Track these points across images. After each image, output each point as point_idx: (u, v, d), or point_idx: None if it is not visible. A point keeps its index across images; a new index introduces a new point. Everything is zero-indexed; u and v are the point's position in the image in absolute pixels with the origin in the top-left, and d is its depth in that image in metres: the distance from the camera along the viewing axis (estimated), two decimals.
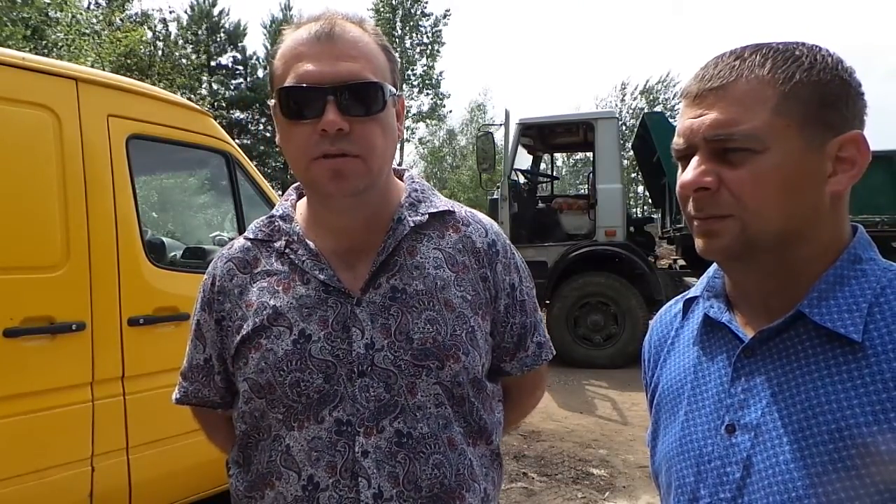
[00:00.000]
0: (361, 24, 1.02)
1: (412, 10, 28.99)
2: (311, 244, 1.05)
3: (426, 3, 29.12)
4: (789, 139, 0.73)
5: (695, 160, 0.77)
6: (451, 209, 1.11)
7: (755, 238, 0.76)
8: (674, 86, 31.42)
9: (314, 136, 0.94)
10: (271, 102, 1.01)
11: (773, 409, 0.75)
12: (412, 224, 1.05)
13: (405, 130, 30.49)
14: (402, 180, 1.15)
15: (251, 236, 1.12)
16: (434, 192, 1.14)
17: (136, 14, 17.71)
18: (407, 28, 28.98)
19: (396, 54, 1.08)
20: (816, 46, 0.77)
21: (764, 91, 0.74)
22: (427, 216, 1.07)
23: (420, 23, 29.22)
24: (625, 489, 4.04)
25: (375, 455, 0.98)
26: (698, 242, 0.80)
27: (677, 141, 0.80)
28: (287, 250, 1.06)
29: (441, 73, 32.88)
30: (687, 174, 0.77)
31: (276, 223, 1.10)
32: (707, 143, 0.76)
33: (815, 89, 0.74)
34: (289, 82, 0.96)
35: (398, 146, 1.10)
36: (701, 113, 0.77)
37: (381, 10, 28.62)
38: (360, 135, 0.95)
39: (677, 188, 0.80)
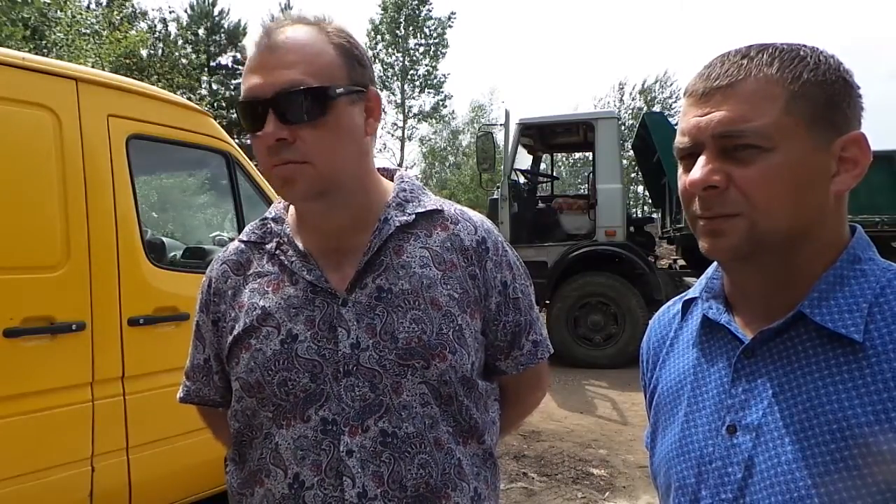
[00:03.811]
0: (319, 24, 1.01)
1: (417, 12, 28.98)
2: (301, 245, 1.06)
3: (431, 5, 29.16)
4: (798, 138, 0.73)
5: (702, 159, 0.76)
6: (439, 208, 1.11)
7: (763, 237, 0.75)
8: (671, 85, 31.43)
9: (264, 147, 0.96)
10: None
11: (775, 410, 0.75)
12: (398, 224, 1.05)
13: (406, 129, 30.60)
14: (392, 180, 1.14)
15: (245, 238, 1.13)
16: (425, 192, 1.14)
17: (135, 12, 17.69)
18: (411, 29, 28.99)
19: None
20: (817, 48, 0.77)
21: (773, 89, 0.74)
22: (414, 216, 1.07)
23: (424, 24, 29.23)
24: (625, 489, 4.04)
25: (360, 454, 0.98)
26: (703, 243, 0.79)
27: (681, 139, 0.79)
28: (277, 251, 1.07)
29: (446, 75, 32.88)
30: (695, 172, 0.76)
31: (269, 225, 1.12)
32: (715, 140, 0.75)
33: (821, 89, 0.74)
34: (241, 97, 0.98)
35: (373, 143, 1.09)
36: (708, 111, 0.76)
37: (388, 8, 28.62)
38: (305, 141, 0.95)
39: (683, 186, 0.79)
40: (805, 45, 0.77)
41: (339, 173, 1.00)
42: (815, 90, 0.74)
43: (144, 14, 18.21)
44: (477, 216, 1.15)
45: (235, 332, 1.06)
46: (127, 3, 16.47)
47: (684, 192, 0.79)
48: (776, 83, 0.74)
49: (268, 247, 1.09)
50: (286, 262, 1.06)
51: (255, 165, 3.57)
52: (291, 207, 1.14)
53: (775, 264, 0.78)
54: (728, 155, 0.75)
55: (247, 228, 1.15)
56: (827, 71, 0.75)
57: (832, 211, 0.77)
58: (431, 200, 1.12)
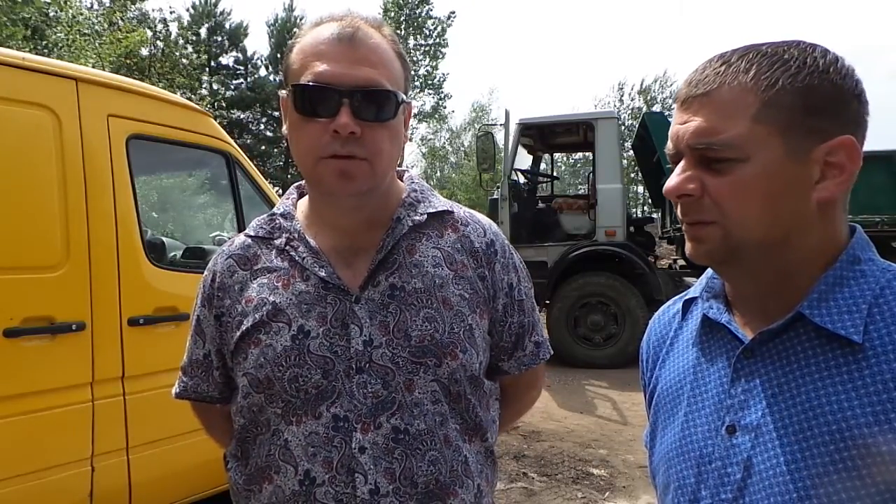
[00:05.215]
0: (380, 30, 1.04)
1: (417, 12, 28.94)
2: (312, 241, 1.06)
3: (432, 5, 29.12)
4: (771, 147, 0.73)
5: (679, 166, 0.78)
6: (449, 209, 1.13)
7: (738, 245, 0.76)
8: (670, 85, 31.40)
9: (325, 136, 0.96)
10: (283, 94, 1.03)
11: (774, 410, 0.75)
12: (411, 223, 1.07)
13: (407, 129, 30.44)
14: (402, 181, 1.16)
15: (252, 233, 1.13)
16: (433, 193, 1.16)
17: (137, 15, 17.70)
18: (411, 29, 28.95)
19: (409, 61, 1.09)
20: (811, 47, 0.75)
21: (745, 98, 0.73)
22: (426, 216, 1.09)
23: (425, 24, 29.18)
24: (625, 489, 4.04)
25: (372, 451, 0.99)
26: (687, 246, 0.82)
27: (668, 145, 0.80)
28: (287, 247, 1.07)
29: (445, 74, 32.91)
30: (671, 180, 0.78)
31: (277, 221, 1.11)
32: (691, 150, 0.76)
33: (798, 95, 0.72)
34: (305, 79, 0.97)
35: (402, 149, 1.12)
36: (687, 119, 0.77)
37: (389, 8, 28.56)
38: (370, 139, 0.97)
39: (664, 192, 0.80)
40: (796, 45, 0.75)
41: (385, 175, 1.04)
42: (791, 97, 0.72)
43: (146, 16, 18.19)
44: (485, 219, 1.17)
45: (244, 328, 1.05)
46: (129, 6, 16.46)
47: (666, 198, 0.80)
48: (749, 91, 0.73)
49: (276, 242, 1.09)
50: (297, 258, 1.06)
51: (256, 165, 3.57)
52: (301, 204, 1.14)
53: (761, 268, 0.78)
54: (705, 163, 0.75)
55: (253, 223, 1.15)
56: (810, 75, 0.72)
57: (816, 217, 0.75)
58: (441, 202, 1.14)
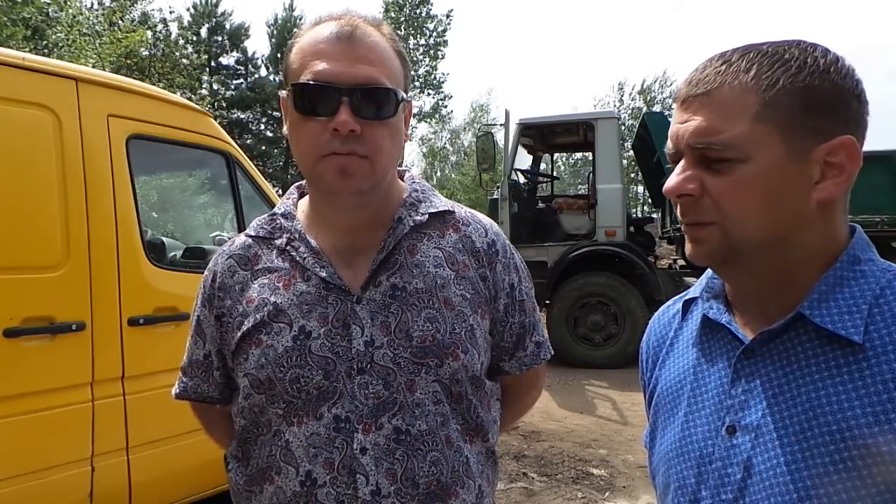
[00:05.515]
0: (379, 28, 1.04)
1: (417, 12, 28.95)
2: (313, 242, 1.06)
3: (431, 5, 29.12)
4: (771, 147, 0.73)
5: (679, 166, 0.77)
6: (451, 209, 1.13)
7: (738, 246, 0.76)
8: (670, 85, 31.40)
9: (325, 134, 0.96)
10: (283, 94, 1.03)
11: (774, 411, 0.75)
12: (412, 223, 1.07)
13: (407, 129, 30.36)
14: (403, 180, 1.16)
15: (253, 233, 1.13)
16: (434, 193, 1.16)
17: (138, 17, 17.71)
18: (411, 29, 28.96)
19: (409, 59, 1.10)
20: (812, 46, 0.75)
21: (746, 98, 0.73)
22: (427, 216, 1.09)
23: (424, 24, 29.19)
24: (625, 489, 4.04)
25: (374, 452, 0.99)
26: (687, 247, 0.82)
27: (668, 144, 0.80)
28: (288, 247, 1.07)
29: (445, 74, 32.97)
30: (671, 180, 0.77)
31: (278, 221, 1.11)
32: (691, 149, 0.76)
33: (799, 95, 0.72)
34: (305, 78, 0.98)
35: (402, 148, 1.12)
36: (687, 118, 0.76)
37: (389, 8, 28.55)
38: (370, 137, 0.97)
39: (663, 192, 0.80)
40: (797, 45, 0.75)
41: (386, 173, 1.04)
42: (791, 98, 0.72)
43: (147, 17, 18.19)
44: (486, 219, 1.17)
45: (244, 328, 1.05)
46: (128, 5, 16.45)
47: (666, 197, 0.80)
48: (750, 91, 0.73)
49: (277, 242, 1.09)
50: (298, 258, 1.05)
51: (256, 165, 3.57)
52: (302, 204, 1.14)
53: (761, 269, 0.78)
54: (705, 163, 0.75)
55: (254, 223, 1.15)
56: (810, 75, 0.72)
57: (816, 217, 0.75)
58: (442, 201, 1.14)
